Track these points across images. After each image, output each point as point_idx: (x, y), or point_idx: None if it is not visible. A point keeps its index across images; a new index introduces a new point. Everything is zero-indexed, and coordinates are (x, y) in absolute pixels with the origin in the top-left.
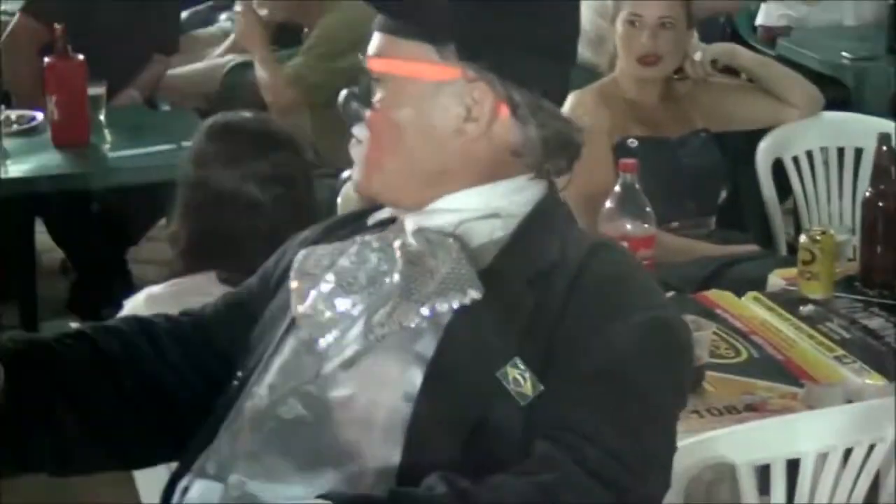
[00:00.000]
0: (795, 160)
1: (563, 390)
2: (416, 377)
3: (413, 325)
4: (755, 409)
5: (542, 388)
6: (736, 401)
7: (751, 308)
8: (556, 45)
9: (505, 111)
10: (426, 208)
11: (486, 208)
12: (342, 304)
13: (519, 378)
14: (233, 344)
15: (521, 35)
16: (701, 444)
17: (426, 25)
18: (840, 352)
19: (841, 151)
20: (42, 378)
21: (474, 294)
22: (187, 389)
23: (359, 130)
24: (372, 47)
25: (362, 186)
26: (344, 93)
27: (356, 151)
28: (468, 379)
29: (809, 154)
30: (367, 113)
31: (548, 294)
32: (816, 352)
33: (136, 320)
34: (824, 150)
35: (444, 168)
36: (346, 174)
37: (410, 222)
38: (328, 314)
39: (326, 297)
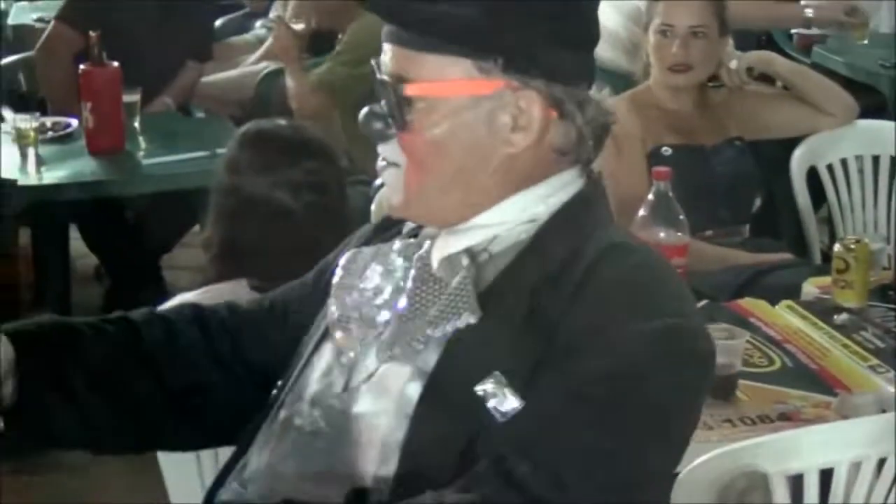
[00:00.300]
0: (830, 168)
1: (537, 406)
2: (416, 392)
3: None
4: (788, 418)
5: (519, 404)
6: (769, 410)
7: (784, 317)
8: (586, 33)
9: (553, 114)
10: (461, 226)
11: (521, 217)
12: (368, 315)
13: (498, 393)
14: (283, 342)
15: (560, 33)
16: (734, 452)
17: (465, 41)
18: (874, 361)
19: (876, 159)
20: (60, 360)
21: (470, 318)
22: (231, 382)
23: (387, 151)
24: (393, 63)
25: (401, 211)
26: (365, 111)
27: (389, 174)
28: (459, 395)
29: (844, 162)
30: (396, 133)
31: (552, 299)
32: (850, 361)
33: (191, 308)
34: (859, 158)
35: (487, 182)
36: (379, 181)
37: (441, 244)
38: (355, 325)
39: (353, 307)
